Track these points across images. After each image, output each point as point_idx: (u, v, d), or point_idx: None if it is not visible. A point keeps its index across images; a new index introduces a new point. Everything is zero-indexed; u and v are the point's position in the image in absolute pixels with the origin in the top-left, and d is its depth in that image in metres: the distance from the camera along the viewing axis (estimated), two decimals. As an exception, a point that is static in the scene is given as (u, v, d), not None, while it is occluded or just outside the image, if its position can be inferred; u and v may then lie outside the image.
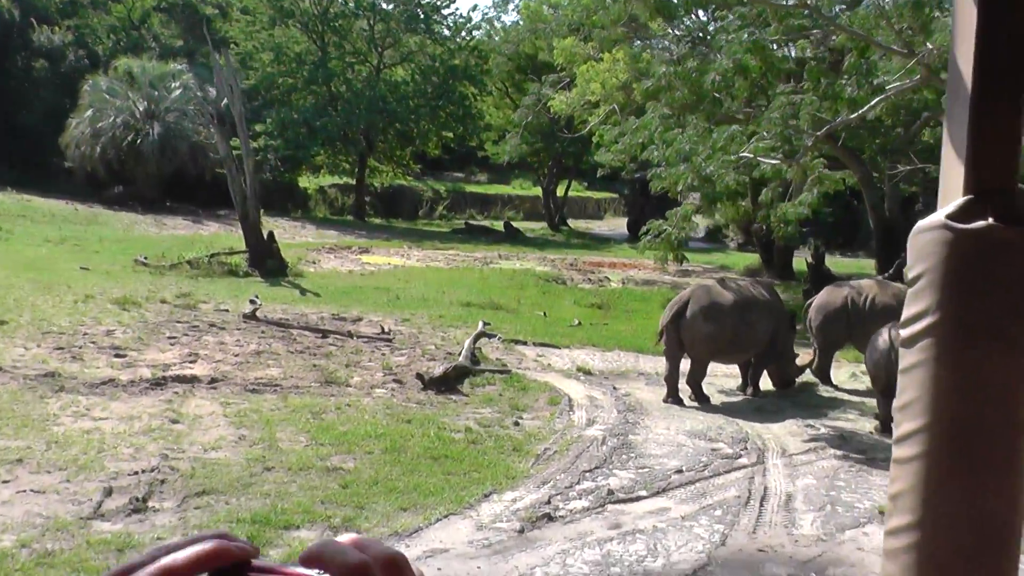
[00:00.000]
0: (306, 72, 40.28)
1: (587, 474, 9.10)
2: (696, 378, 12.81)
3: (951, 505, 1.21)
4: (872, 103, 12.55)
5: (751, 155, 12.26)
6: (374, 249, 30.73)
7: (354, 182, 42.81)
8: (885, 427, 11.93)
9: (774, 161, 12.58)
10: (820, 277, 22.64)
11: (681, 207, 13.58)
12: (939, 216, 1.24)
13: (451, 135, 42.73)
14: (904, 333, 1.26)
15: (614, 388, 13.11)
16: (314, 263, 25.76)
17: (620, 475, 9.15)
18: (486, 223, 44.45)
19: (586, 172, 45.59)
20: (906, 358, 1.25)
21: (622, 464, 9.54)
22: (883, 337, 11.90)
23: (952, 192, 1.26)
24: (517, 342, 16.07)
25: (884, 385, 11.89)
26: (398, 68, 42.52)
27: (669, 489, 8.83)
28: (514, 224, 42.03)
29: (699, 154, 11.89)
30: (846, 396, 13.73)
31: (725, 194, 12.38)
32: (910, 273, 1.25)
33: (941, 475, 1.21)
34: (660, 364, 13.88)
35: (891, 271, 24.83)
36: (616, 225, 45.72)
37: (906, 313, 1.26)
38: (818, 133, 12.50)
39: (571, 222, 48.04)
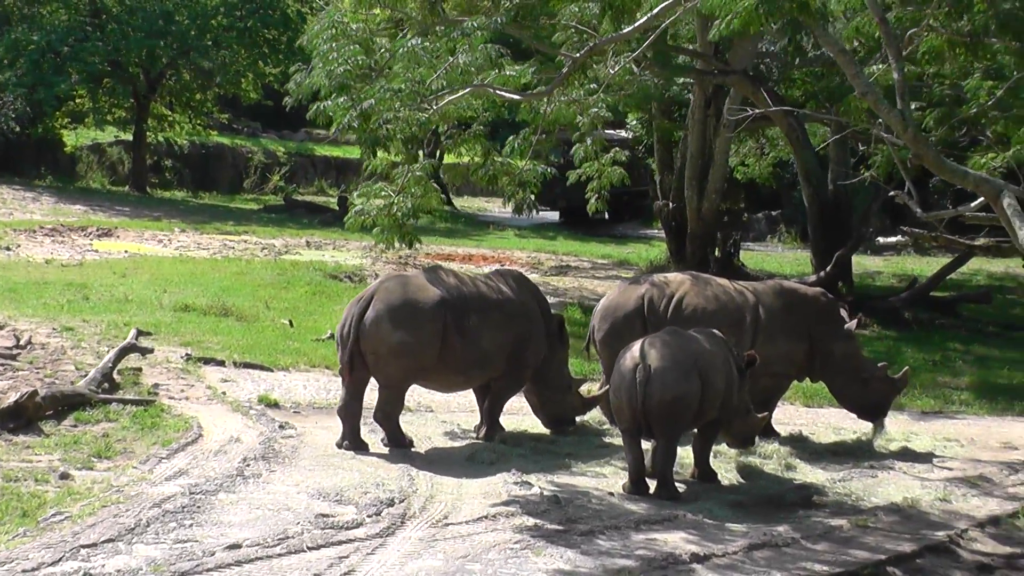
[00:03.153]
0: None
1: (82, 551, 8.77)
2: (388, 411, 12.43)
3: None
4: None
5: (490, 86, 11.70)
6: (122, 231, 30.37)
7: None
8: (636, 486, 11.51)
9: (515, 96, 12.06)
10: (730, 277, 22.36)
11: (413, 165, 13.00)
12: None
13: (273, 72, 42.05)
14: None
15: (281, 427, 12.85)
16: (8, 249, 25.32)
17: (136, 552, 8.85)
18: (331, 198, 44.07)
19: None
20: None
21: (158, 536, 9.23)
22: (632, 353, 11.49)
23: None
24: (210, 361, 15.85)
25: (630, 421, 11.45)
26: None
27: None
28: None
29: (379, 82, 11.33)
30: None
31: (399, 141, 11.82)
32: None
33: None
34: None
35: (828, 269, 24.53)
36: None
37: None
38: (579, 54, 11.99)
39: (461, 200, 47.78)
